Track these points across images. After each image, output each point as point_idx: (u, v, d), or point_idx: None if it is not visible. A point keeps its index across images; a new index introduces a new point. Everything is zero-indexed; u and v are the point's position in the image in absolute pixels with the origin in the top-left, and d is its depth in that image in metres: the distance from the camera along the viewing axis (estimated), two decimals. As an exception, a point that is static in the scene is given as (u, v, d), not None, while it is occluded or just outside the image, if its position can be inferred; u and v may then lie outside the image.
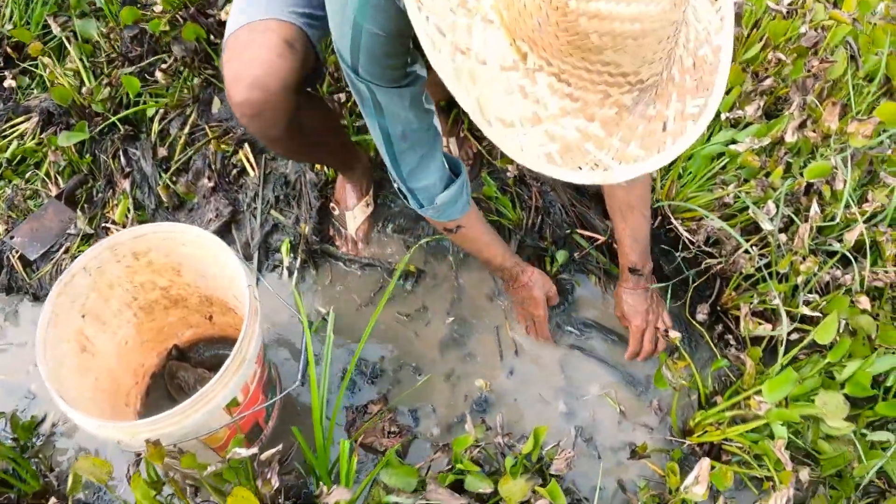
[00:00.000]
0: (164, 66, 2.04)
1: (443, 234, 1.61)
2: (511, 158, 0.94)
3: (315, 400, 1.41)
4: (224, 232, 1.90)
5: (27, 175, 2.09)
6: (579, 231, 1.88)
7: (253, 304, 1.36)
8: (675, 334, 1.66)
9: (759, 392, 1.49)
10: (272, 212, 1.91)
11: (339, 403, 1.42)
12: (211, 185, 1.91)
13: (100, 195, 2.01)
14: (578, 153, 0.87)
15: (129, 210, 1.94)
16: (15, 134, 2.12)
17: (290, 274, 1.86)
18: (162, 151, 2.01)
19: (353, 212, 1.88)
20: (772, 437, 1.47)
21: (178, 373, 1.71)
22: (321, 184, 1.92)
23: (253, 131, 1.38)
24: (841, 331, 1.53)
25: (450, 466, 1.45)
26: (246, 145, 1.98)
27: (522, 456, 1.41)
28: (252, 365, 1.35)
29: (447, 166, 1.43)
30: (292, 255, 1.87)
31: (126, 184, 1.97)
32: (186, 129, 2.03)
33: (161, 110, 2.07)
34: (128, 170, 1.99)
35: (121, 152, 2.02)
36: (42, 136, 2.08)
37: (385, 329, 1.81)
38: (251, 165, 1.95)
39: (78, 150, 2.06)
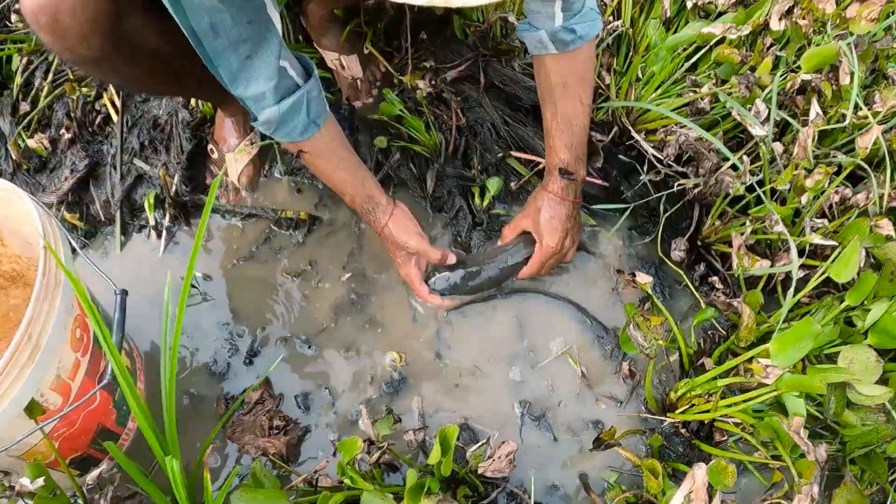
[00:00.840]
0: (17, 5, 1.72)
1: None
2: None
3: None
4: (82, 190, 1.56)
5: None
6: (514, 154, 1.50)
7: (51, 271, 1.03)
8: (644, 278, 1.28)
9: (762, 352, 1.11)
10: (135, 160, 1.56)
11: (170, 393, 1.06)
12: (69, 135, 1.58)
13: None
14: None
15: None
16: None
17: (159, 235, 1.51)
18: (25, 107, 1.68)
19: (235, 153, 1.53)
20: (782, 410, 1.08)
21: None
22: (195, 122, 1.57)
23: (58, 50, 1.03)
24: (862, 264, 1.18)
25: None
26: (111, 87, 1.63)
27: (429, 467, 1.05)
28: (58, 354, 1.04)
29: (292, 71, 1.11)
30: (160, 210, 1.52)
31: (-22, 147, 1.65)
32: (50, 77, 1.70)
33: (24, 60, 1.75)
34: (-17, 130, 1.68)
35: (-26, 111, 1.70)
36: None
37: (267, 292, 1.45)
38: (115, 110, 1.61)
39: None
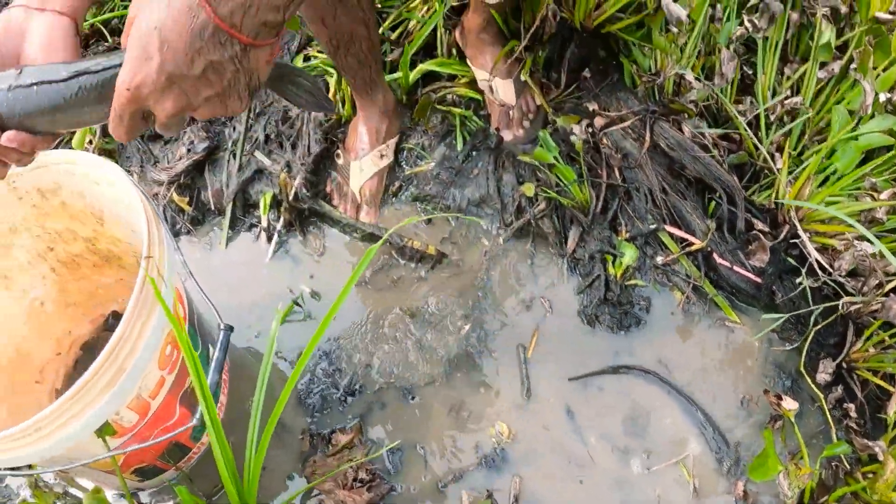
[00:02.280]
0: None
1: None
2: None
3: (220, 459, 0.93)
4: (195, 174, 1.46)
5: None
6: (668, 228, 1.35)
7: (149, 287, 0.92)
8: (790, 404, 1.15)
9: None
10: (257, 153, 1.45)
11: (266, 439, 0.95)
12: (191, 111, 1.48)
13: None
14: None
15: (93, 134, 1.53)
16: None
17: (269, 238, 1.40)
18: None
19: (361, 162, 1.41)
20: None
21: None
22: (328, 125, 1.45)
23: None
24: None
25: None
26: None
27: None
28: (139, 378, 0.93)
29: None
30: (275, 212, 1.41)
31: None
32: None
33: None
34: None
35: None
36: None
37: (378, 326, 1.33)
38: (245, 92, 1.50)
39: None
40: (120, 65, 0.64)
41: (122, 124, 0.67)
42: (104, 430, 0.92)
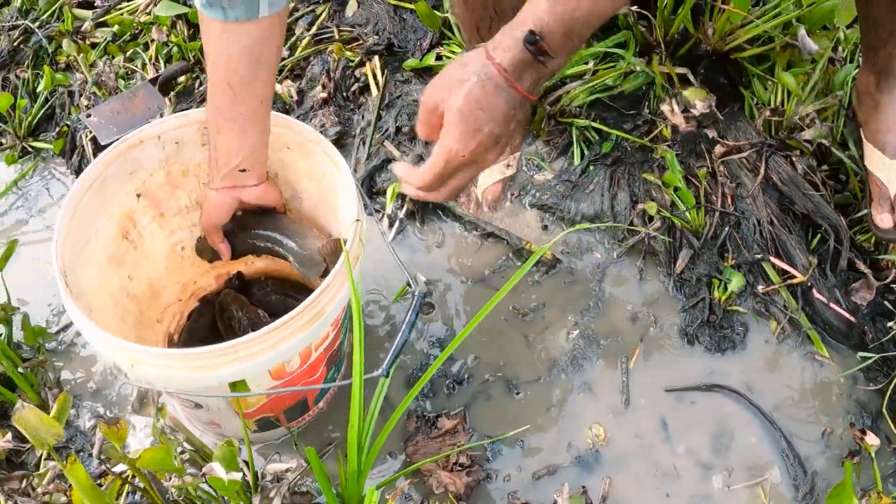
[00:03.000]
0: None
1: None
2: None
3: (355, 411, 1.00)
4: (325, 155, 1.54)
5: (129, 53, 1.81)
6: (772, 259, 1.41)
7: (357, 248, 1.03)
8: (873, 440, 1.19)
9: None
10: (386, 143, 1.53)
11: (396, 415, 1.03)
12: (324, 95, 1.56)
13: (201, 88, 1.71)
14: None
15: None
16: (128, 8, 1.87)
17: (391, 223, 1.48)
18: (283, 52, 1.67)
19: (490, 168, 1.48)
20: None
21: (231, 306, 1.37)
22: (457, 123, 1.53)
23: None
24: None
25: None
26: (376, 59, 1.60)
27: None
28: (326, 327, 1.02)
29: None
30: (399, 201, 1.49)
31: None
32: (313, 30, 1.68)
33: (291, 5, 1.73)
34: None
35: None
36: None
37: (489, 321, 1.40)
38: (376, 83, 1.58)
39: (191, 37, 1.78)
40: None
41: (447, 187, 0.89)
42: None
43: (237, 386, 0.98)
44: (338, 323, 1.12)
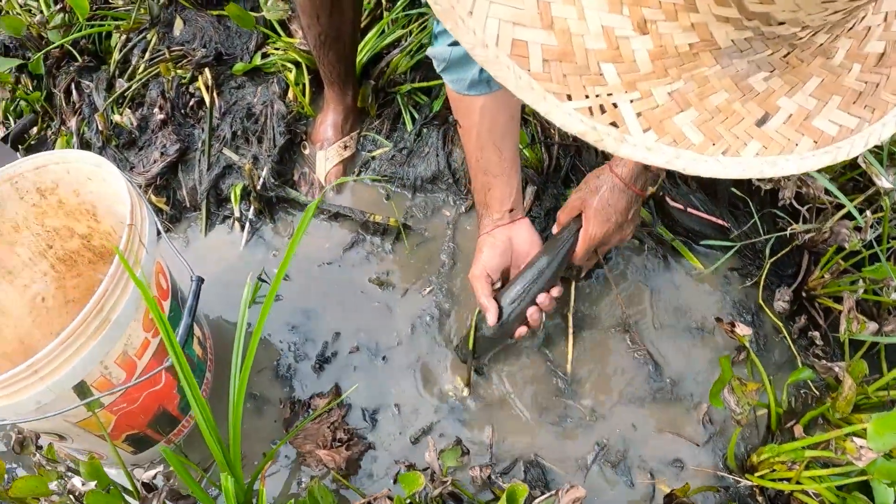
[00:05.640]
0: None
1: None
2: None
3: (194, 404, 0.99)
4: (170, 175, 1.54)
5: (-25, 117, 1.82)
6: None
7: (133, 247, 1.02)
8: (744, 330, 1.18)
9: (858, 430, 1.02)
10: (225, 150, 1.53)
11: (239, 397, 1.02)
12: (161, 116, 1.56)
13: (53, 136, 1.72)
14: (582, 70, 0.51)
15: (72, 148, 1.62)
16: (-33, 71, 1.86)
17: (242, 227, 1.48)
18: (122, 83, 1.68)
19: (327, 151, 1.50)
20: (868, 494, 0.98)
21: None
22: (290, 117, 1.53)
23: None
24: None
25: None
26: (206, 71, 1.61)
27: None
28: (123, 331, 1.01)
29: None
30: (246, 202, 1.49)
31: (74, 121, 1.65)
32: (147, 56, 1.69)
33: (123, 38, 1.75)
34: (79, 105, 1.68)
35: (73, 85, 1.71)
36: (-5, 71, 1.81)
37: (345, 298, 1.40)
38: (210, 94, 1.58)
39: (35, 87, 1.79)
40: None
41: (590, 258, 1.27)
42: (83, 386, 0.98)
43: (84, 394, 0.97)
44: (156, 329, 1.11)
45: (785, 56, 0.55)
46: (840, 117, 0.55)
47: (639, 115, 0.53)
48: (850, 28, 0.56)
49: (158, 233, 1.12)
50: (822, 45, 0.56)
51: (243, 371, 1.03)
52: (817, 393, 1.29)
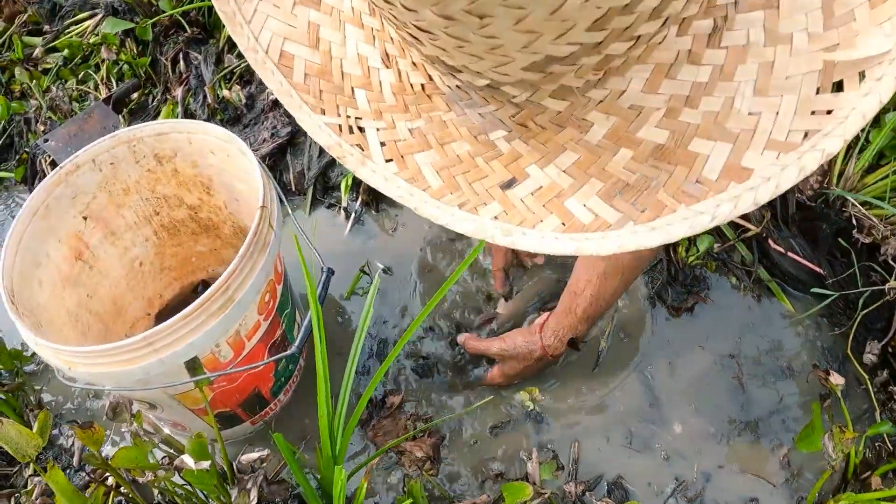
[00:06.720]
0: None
1: None
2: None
3: (321, 387, 1.02)
4: (278, 157, 1.56)
5: (81, 76, 1.83)
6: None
7: (263, 229, 1.02)
8: (837, 379, 1.20)
9: None
10: (338, 139, 1.54)
11: (345, 392, 1.04)
12: (273, 97, 1.57)
13: (154, 103, 1.73)
14: (338, 90, 0.56)
15: (176, 118, 1.64)
16: (76, 31, 1.88)
17: (347, 216, 1.50)
18: (231, 60, 1.69)
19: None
20: None
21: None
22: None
23: None
24: None
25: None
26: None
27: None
28: (243, 312, 1.01)
29: None
30: (354, 193, 1.51)
31: (180, 91, 1.66)
32: (259, 33, 1.69)
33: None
34: (186, 75, 1.69)
35: (181, 56, 1.71)
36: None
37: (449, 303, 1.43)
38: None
39: (140, 53, 1.80)
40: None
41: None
42: (195, 361, 0.99)
43: (195, 370, 0.99)
44: (268, 311, 1.13)
45: (513, 116, 0.52)
46: (598, 206, 0.49)
47: (383, 144, 0.54)
48: (601, 102, 0.50)
49: (285, 216, 1.13)
50: (560, 112, 0.51)
51: (347, 375, 1.05)
52: (891, 447, 1.31)
